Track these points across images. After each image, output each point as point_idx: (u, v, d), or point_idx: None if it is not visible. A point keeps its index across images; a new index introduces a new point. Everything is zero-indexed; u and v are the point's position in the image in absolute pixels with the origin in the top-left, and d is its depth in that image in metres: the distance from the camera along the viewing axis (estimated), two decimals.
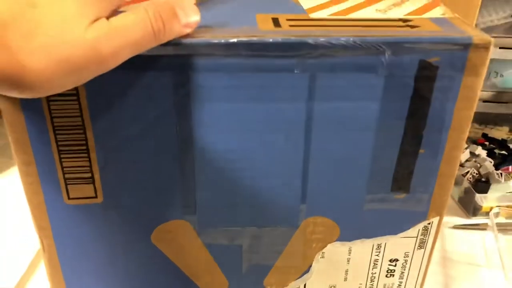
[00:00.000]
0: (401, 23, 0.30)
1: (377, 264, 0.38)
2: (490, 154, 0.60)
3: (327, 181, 0.33)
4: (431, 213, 0.35)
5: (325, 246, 0.36)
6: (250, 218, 0.34)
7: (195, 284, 0.37)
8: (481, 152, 0.58)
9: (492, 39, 0.29)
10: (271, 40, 0.27)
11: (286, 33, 0.28)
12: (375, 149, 0.32)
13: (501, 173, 0.55)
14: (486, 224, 0.51)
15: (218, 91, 0.29)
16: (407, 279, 0.39)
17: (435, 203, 0.35)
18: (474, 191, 0.52)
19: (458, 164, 0.33)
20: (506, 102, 0.65)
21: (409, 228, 0.36)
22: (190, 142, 0.30)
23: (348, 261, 0.37)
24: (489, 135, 0.65)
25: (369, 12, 0.33)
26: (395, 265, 0.38)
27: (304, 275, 0.38)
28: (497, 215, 0.51)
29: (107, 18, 0.24)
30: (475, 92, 0.30)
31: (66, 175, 0.31)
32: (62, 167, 0.31)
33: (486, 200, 0.52)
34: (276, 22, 0.30)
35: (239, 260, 0.36)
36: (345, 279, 0.38)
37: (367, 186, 0.33)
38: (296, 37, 0.27)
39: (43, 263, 0.35)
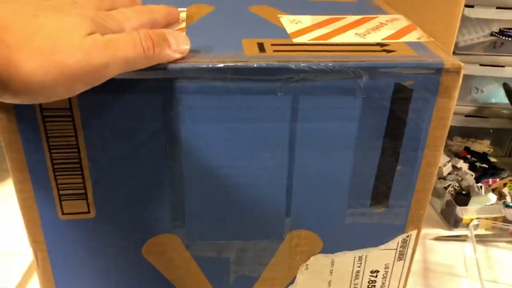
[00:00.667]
0: (378, 48, 0.32)
1: (359, 275, 0.39)
2: (472, 167, 0.62)
3: (310, 196, 0.35)
4: (409, 226, 0.37)
5: (309, 258, 0.38)
6: (237, 231, 0.36)
7: None
8: (462, 165, 0.60)
9: (463, 64, 0.31)
10: (255, 65, 0.29)
11: (270, 58, 0.30)
12: (354, 166, 0.34)
13: (481, 186, 0.57)
14: (466, 236, 0.53)
15: (206, 112, 0.30)
16: None
17: (412, 217, 0.36)
18: (455, 204, 0.54)
19: (434, 180, 0.35)
20: (487, 117, 0.67)
21: (388, 241, 0.37)
22: (179, 160, 0.32)
23: (331, 272, 0.39)
24: (471, 148, 0.67)
25: (348, 36, 0.34)
26: (376, 276, 0.40)
27: (289, 286, 0.39)
28: (476, 227, 0.53)
29: (102, 35, 0.26)
30: (448, 112, 0.32)
31: (61, 192, 0.32)
32: (57, 184, 0.32)
33: (466, 213, 0.54)
34: (261, 47, 0.32)
35: (226, 272, 0.38)
36: None
37: (348, 201, 0.35)
38: (279, 62, 0.29)
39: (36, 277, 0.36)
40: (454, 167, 0.60)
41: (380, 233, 0.37)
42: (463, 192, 0.56)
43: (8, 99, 0.24)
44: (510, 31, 0.60)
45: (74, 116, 0.30)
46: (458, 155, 0.64)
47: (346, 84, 0.30)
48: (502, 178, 0.60)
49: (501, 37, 0.60)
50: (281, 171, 0.33)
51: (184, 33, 0.34)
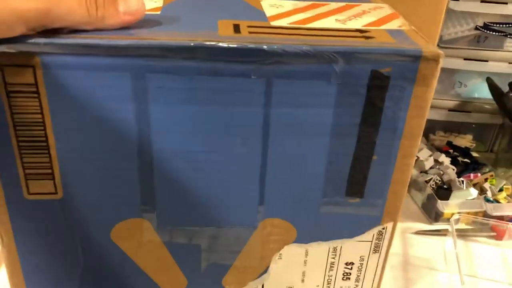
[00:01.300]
0: (357, 34, 0.32)
1: (333, 267, 0.39)
2: (454, 161, 0.61)
3: (284, 184, 0.34)
4: (385, 218, 0.36)
5: (282, 247, 0.37)
6: (209, 218, 0.35)
7: (154, 282, 0.38)
8: (444, 159, 0.60)
9: (442, 52, 0.30)
10: (226, 45, 0.28)
11: (243, 39, 0.29)
12: (329, 154, 0.33)
13: (462, 181, 0.56)
14: (447, 230, 0.52)
15: (176, 93, 0.30)
16: (363, 282, 0.40)
17: (388, 209, 0.36)
18: (436, 198, 0.54)
19: (411, 172, 0.35)
20: (470, 112, 0.66)
21: (363, 232, 0.37)
22: (149, 142, 0.31)
23: (305, 263, 0.38)
24: (454, 143, 0.67)
25: (329, 22, 0.34)
26: (351, 268, 0.39)
27: (262, 276, 0.38)
28: (457, 221, 0.52)
29: None
30: (426, 102, 0.31)
31: (27, 171, 0.31)
32: (22, 163, 0.31)
33: (447, 207, 0.53)
34: (236, 28, 0.31)
35: (198, 259, 0.37)
36: (302, 281, 0.39)
37: (322, 190, 0.34)
38: (252, 43, 0.28)
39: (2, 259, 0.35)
40: (436, 161, 0.60)
41: (355, 224, 0.36)
42: (445, 186, 0.56)
43: None
44: (495, 25, 0.59)
45: (40, 93, 0.29)
46: (440, 150, 0.64)
47: (321, 69, 0.29)
48: (484, 173, 0.59)
49: (485, 31, 0.60)
50: (254, 158, 0.33)
51: (159, 12, 0.33)
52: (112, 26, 0.28)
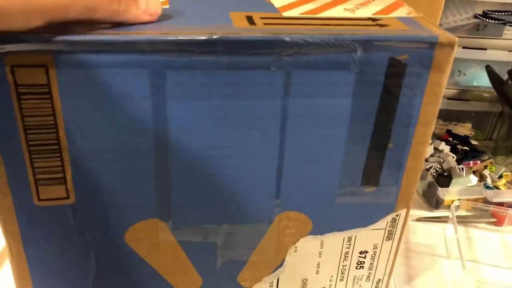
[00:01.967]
0: (370, 22, 0.31)
1: (347, 257, 0.39)
2: (453, 149, 0.62)
3: (301, 176, 0.34)
4: (399, 205, 0.37)
5: (298, 240, 0.37)
6: (225, 215, 0.35)
7: (169, 283, 0.37)
8: (444, 147, 0.61)
9: (457, 38, 0.30)
10: (248, 37, 0.28)
11: (262, 30, 0.28)
12: (346, 144, 0.33)
13: (462, 168, 0.57)
14: (447, 217, 0.53)
15: (194, 89, 0.29)
16: (376, 270, 0.40)
17: (402, 195, 0.36)
18: (436, 185, 0.55)
19: (424, 158, 0.35)
20: (469, 100, 0.68)
21: (378, 220, 0.37)
22: (166, 139, 0.30)
23: (320, 254, 0.38)
24: (453, 131, 0.68)
25: (338, 11, 0.33)
26: (364, 257, 0.39)
27: (277, 270, 0.38)
28: (457, 208, 0.53)
29: None
30: (440, 88, 0.32)
31: (37, 176, 0.30)
32: (33, 168, 0.30)
33: (447, 194, 0.54)
34: (250, 20, 0.30)
35: (213, 257, 0.36)
36: (317, 272, 0.39)
37: (339, 180, 0.34)
38: (273, 34, 0.28)
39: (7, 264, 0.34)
40: (436, 149, 0.61)
41: (370, 213, 0.37)
42: (445, 174, 0.57)
43: None
44: (494, 13, 0.60)
45: (53, 93, 0.27)
46: (440, 138, 0.65)
47: (340, 58, 0.29)
48: (483, 161, 0.61)
49: (484, 19, 0.61)
50: (272, 151, 0.32)
51: (168, 6, 0.32)
52: (130, 22, 0.27)
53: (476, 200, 0.55)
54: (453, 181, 0.55)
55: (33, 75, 0.27)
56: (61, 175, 0.30)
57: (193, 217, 0.34)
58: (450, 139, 0.66)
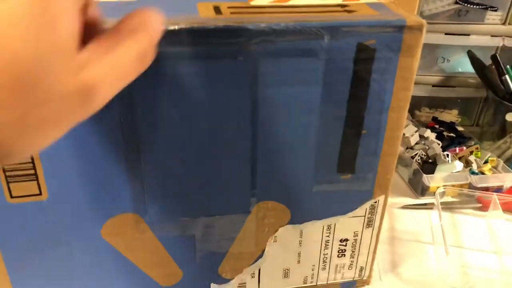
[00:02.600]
0: (339, 8, 0.31)
1: (328, 245, 0.39)
2: (440, 136, 0.62)
3: (275, 165, 0.34)
4: (377, 191, 0.36)
5: (277, 230, 0.37)
6: (202, 207, 0.34)
7: (149, 276, 0.37)
8: (429, 135, 0.60)
9: (425, 21, 0.30)
10: (212, 26, 0.27)
11: (227, 20, 0.28)
12: (320, 132, 0.33)
13: (447, 154, 0.57)
14: (433, 204, 0.53)
15: (160, 80, 0.29)
16: (357, 257, 0.40)
17: (379, 182, 0.36)
18: (421, 172, 0.55)
19: (399, 144, 0.35)
20: (454, 86, 0.67)
21: (356, 208, 0.37)
22: (136, 132, 0.30)
23: (300, 243, 0.38)
24: (439, 118, 0.68)
25: None
26: (345, 245, 0.39)
27: (258, 260, 0.38)
28: (442, 194, 0.53)
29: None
30: (411, 72, 0.32)
31: (7, 173, 0.30)
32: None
33: (432, 180, 0.54)
34: (217, 10, 0.30)
35: (192, 250, 0.36)
36: (298, 262, 0.39)
37: (314, 169, 0.34)
38: (237, 23, 0.28)
39: None
40: (421, 136, 0.60)
41: (348, 200, 0.37)
42: (430, 161, 0.57)
43: None
44: None
45: None
46: (426, 125, 0.64)
47: (308, 45, 0.29)
48: (469, 146, 0.60)
49: (465, 5, 0.60)
50: (244, 141, 0.32)
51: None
52: None
53: (461, 186, 0.55)
54: (438, 167, 0.55)
55: None
56: (32, 171, 0.30)
57: (169, 210, 0.34)
58: (437, 126, 0.65)
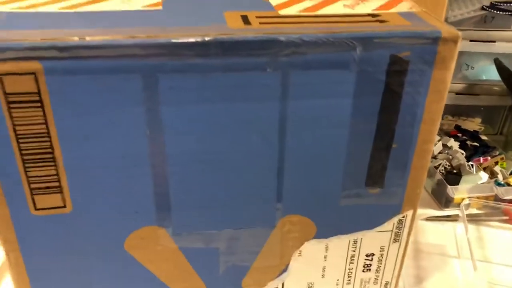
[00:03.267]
0: (370, 18, 0.30)
1: (353, 260, 0.38)
2: (463, 145, 0.61)
3: (302, 179, 0.33)
4: (405, 206, 0.35)
5: (302, 244, 0.36)
6: (226, 220, 0.34)
7: None
8: (453, 144, 0.59)
9: (460, 33, 0.29)
10: (242, 38, 0.27)
11: (257, 30, 0.27)
12: (349, 145, 0.32)
13: (472, 165, 0.56)
14: (457, 216, 0.52)
15: (188, 93, 0.28)
16: (383, 272, 0.39)
17: (408, 196, 0.35)
18: (445, 183, 0.53)
19: (430, 157, 0.34)
20: (478, 94, 0.66)
21: (384, 222, 0.36)
22: (161, 145, 0.29)
23: (325, 258, 0.37)
24: (462, 127, 0.66)
25: (337, 8, 0.32)
26: (371, 260, 0.38)
27: (282, 274, 0.37)
28: (467, 206, 0.52)
29: None
30: (445, 85, 0.31)
31: (32, 185, 0.30)
32: (28, 177, 0.29)
33: (457, 192, 0.53)
34: (245, 19, 0.29)
35: (216, 262, 0.36)
36: (323, 276, 0.38)
37: (342, 182, 0.33)
38: (267, 34, 0.27)
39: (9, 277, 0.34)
40: (444, 146, 0.59)
41: (376, 215, 0.36)
42: (454, 171, 0.55)
43: None
44: (502, 4, 0.58)
45: (43, 101, 0.27)
46: (448, 134, 0.63)
47: (339, 57, 0.28)
48: (494, 156, 0.59)
49: (492, 11, 0.59)
50: (271, 154, 0.31)
51: (161, 7, 0.31)
52: None
53: (487, 197, 0.53)
54: (462, 178, 0.54)
55: (22, 83, 0.26)
56: (56, 184, 0.30)
57: (193, 223, 0.33)
58: (459, 135, 0.64)
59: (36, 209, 0.30)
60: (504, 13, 0.59)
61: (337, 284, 0.39)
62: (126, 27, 0.27)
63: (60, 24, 0.28)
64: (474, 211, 0.53)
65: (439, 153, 0.58)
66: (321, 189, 0.33)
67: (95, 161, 0.29)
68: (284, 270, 0.37)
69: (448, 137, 0.60)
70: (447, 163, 0.56)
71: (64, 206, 0.31)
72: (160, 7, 0.31)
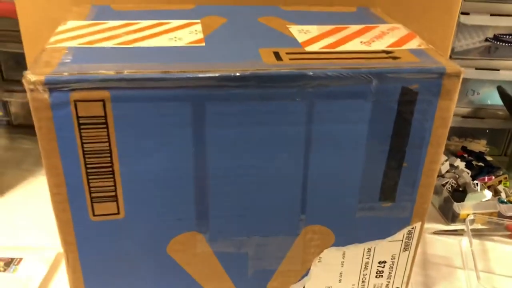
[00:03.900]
0: (384, 55, 0.35)
1: (367, 266, 0.42)
2: (469, 165, 0.65)
3: (324, 193, 0.37)
4: (414, 219, 0.40)
5: (322, 251, 0.40)
6: (256, 228, 0.38)
7: None
8: (459, 164, 0.64)
9: (462, 69, 0.34)
10: (276, 73, 0.32)
11: (288, 66, 0.33)
12: (365, 164, 0.36)
13: (477, 183, 0.60)
14: (463, 230, 0.56)
15: (229, 117, 0.33)
16: (394, 278, 0.43)
17: (417, 210, 0.39)
18: (452, 200, 0.58)
19: (436, 176, 0.38)
20: (483, 118, 0.70)
21: (395, 233, 0.40)
22: (204, 161, 0.34)
23: (342, 264, 0.41)
24: (468, 148, 0.71)
25: (355, 45, 0.37)
26: (383, 267, 0.42)
27: (304, 278, 0.42)
28: (472, 221, 0.56)
29: None
30: (449, 113, 0.35)
31: (93, 194, 0.34)
32: (89, 188, 0.34)
33: (463, 208, 0.57)
34: (277, 55, 0.34)
35: (245, 266, 0.40)
36: (340, 281, 0.43)
37: (358, 197, 0.38)
38: (298, 70, 0.32)
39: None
40: (451, 165, 0.64)
41: (388, 226, 0.40)
42: (460, 189, 0.60)
43: None
44: (504, 36, 0.63)
45: (108, 123, 0.32)
46: (455, 154, 0.68)
47: (358, 88, 0.33)
48: (498, 176, 0.63)
49: (495, 42, 0.64)
50: (297, 170, 0.36)
51: (204, 44, 0.36)
52: None
53: (490, 214, 0.57)
54: (468, 196, 0.58)
55: (92, 108, 0.31)
56: (113, 193, 0.35)
57: (227, 230, 0.38)
58: (466, 155, 0.68)
59: (94, 215, 0.35)
60: (507, 44, 0.64)
61: None
62: (178, 62, 0.33)
63: (121, 59, 0.33)
64: (478, 226, 0.57)
65: (447, 172, 0.63)
66: (339, 202, 0.38)
67: (147, 174, 0.34)
68: (305, 275, 0.42)
69: (455, 158, 0.65)
70: (454, 182, 0.61)
71: (118, 213, 0.36)
72: (203, 44, 0.36)
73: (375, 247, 0.41)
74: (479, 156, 0.68)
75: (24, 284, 0.46)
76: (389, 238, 0.41)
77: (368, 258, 0.42)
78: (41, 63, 0.32)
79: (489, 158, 0.68)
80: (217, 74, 0.31)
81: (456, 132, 0.72)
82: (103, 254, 0.37)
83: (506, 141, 0.73)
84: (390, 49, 0.37)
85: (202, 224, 0.37)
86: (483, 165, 0.66)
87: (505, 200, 0.60)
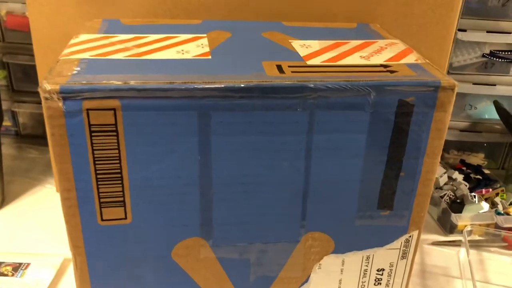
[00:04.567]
0: (382, 69, 0.37)
1: (366, 274, 0.43)
2: (467, 178, 0.67)
3: (324, 201, 0.39)
4: (411, 227, 0.41)
5: (322, 258, 0.42)
6: (258, 234, 0.40)
7: None
8: (457, 176, 0.65)
9: (457, 82, 0.35)
10: (279, 84, 0.33)
11: (290, 78, 0.34)
12: (363, 173, 0.38)
13: (475, 195, 0.61)
14: (460, 241, 0.57)
15: (233, 126, 0.35)
16: (392, 286, 0.44)
17: (414, 219, 0.41)
18: (450, 211, 0.59)
19: (433, 185, 0.40)
20: (480, 132, 0.72)
21: (393, 241, 0.42)
22: (209, 168, 0.36)
23: (341, 271, 0.43)
24: (466, 161, 0.73)
25: (355, 59, 0.39)
26: (381, 274, 0.43)
27: (304, 285, 0.43)
28: (470, 232, 0.57)
29: None
30: (444, 124, 0.37)
31: (101, 199, 0.36)
32: (99, 193, 0.36)
33: (460, 219, 0.58)
34: (280, 68, 0.36)
35: (247, 272, 0.41)
36: None
37: (357, 205, 0.39)
38: (299, 82, 0.34)
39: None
40: (449, 178, 0.65)
41: (386, 234, 0.41)
42: (458, 201, 0.61)
43: None
44: (500, 52, 0.65)
45: (118, 131, 0.33)
46: (454, 167, 0.69)
47: (356, 100, 0.35)
48: (495, 188, 0.64)
49: (492, 58, 0.66)
50: (298, 178, 0.38)
51: (210, 57, 0.38)
52: None
53: (488, 225, 0.58)
54: (465, 207, 0.59)
55: (104, 117, 0.33)
56: (121, 199, 0.36)
57: (230, 236, 0.39)
58: (464, 168, 0.70)
59: (102, 219, 0.37)
60: (503, 60, 0.65)
61: None
62: (185, 74, 0.34)
63: (131, 70, 0.35)
64: (476, 237, 0.58)
65: (445, 184, 0.64)
66: (339, 210, 0.39)
67: (154, 180, 0.36)
68: (306, 281, 0.43)
69: (453, 170, 0.66)
70: (452, 194, 0.62)
71: (125, 218, 0.37)
72: (209, 57, 0.38)
73: (373, 255, 0.42)
74: (477, 169, 0.69)
75: None
76: (387, 246, 0.42)
77: (366, 266, 0.43)
78: (55, 74, 0.33)
79: (486, 171, 0.69)
80: (222, 85, 0.33)
81: (454, 145, 0.73)
82: (109, 258, 0.39)
83: (503, 154, 0.74)
84: (388, 63, 0.38)
85: (206, 230, 0.39)
86: (480, 177, 0.67)
87: (502, 212, 0.61)
